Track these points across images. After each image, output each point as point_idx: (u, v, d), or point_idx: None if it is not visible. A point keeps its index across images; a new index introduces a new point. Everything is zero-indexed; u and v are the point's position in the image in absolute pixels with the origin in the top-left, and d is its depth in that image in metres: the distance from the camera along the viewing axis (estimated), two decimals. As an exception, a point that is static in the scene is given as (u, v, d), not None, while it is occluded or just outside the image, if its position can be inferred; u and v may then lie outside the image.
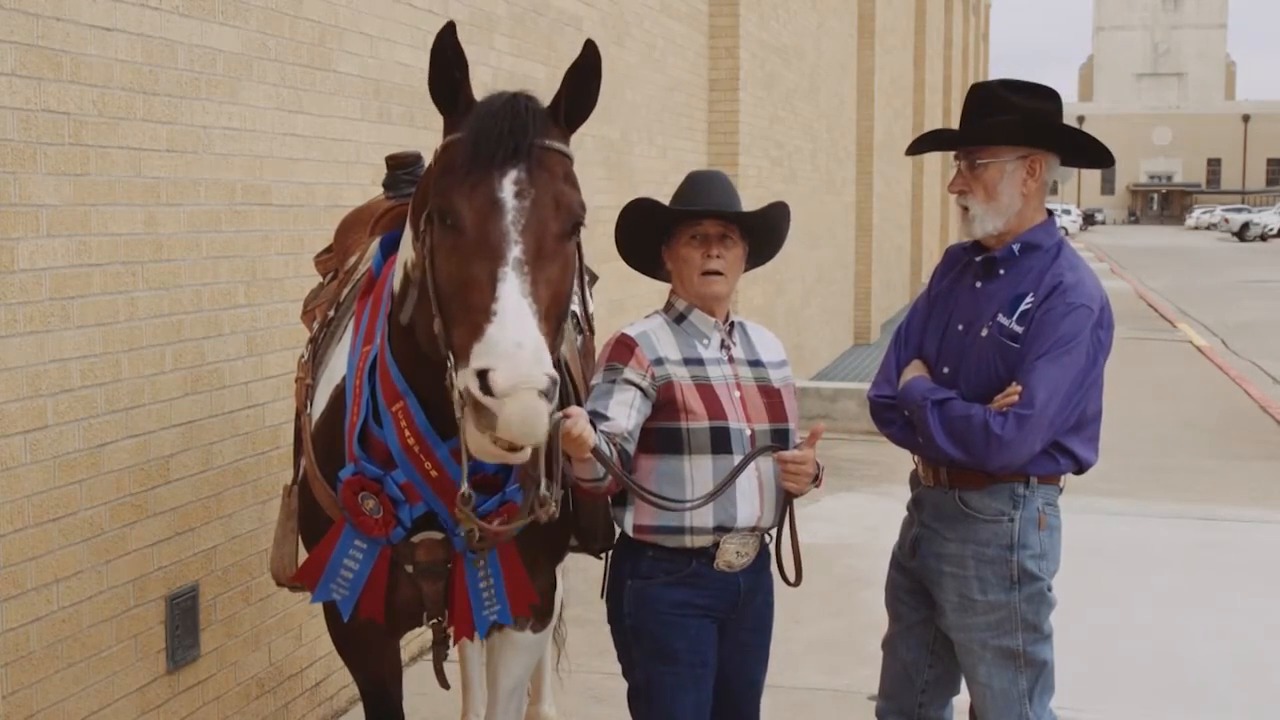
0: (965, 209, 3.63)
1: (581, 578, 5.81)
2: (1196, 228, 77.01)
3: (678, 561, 3.43)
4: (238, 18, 4.57)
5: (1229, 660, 6.07)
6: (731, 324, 3.58)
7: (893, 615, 3.88)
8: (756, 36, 11.60)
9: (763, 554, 3.55)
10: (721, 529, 3.40)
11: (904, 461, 3.96)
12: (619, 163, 8.59)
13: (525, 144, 2.82)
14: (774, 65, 12.51)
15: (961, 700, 3.83)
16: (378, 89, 5.50)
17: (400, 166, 4.20)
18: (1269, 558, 7.76)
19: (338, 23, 5.20)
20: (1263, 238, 60.76)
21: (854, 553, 7.60)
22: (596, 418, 3.23)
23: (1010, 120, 3.55)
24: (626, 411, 3.31)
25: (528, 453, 2.74)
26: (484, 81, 6.03)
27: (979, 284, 3.64)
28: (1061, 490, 3.67)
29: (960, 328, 3.63)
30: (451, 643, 3.54)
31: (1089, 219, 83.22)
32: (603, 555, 3.67)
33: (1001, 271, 3.60)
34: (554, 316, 2.80)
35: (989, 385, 3.52)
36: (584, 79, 2.95)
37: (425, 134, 5.46)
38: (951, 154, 3.71)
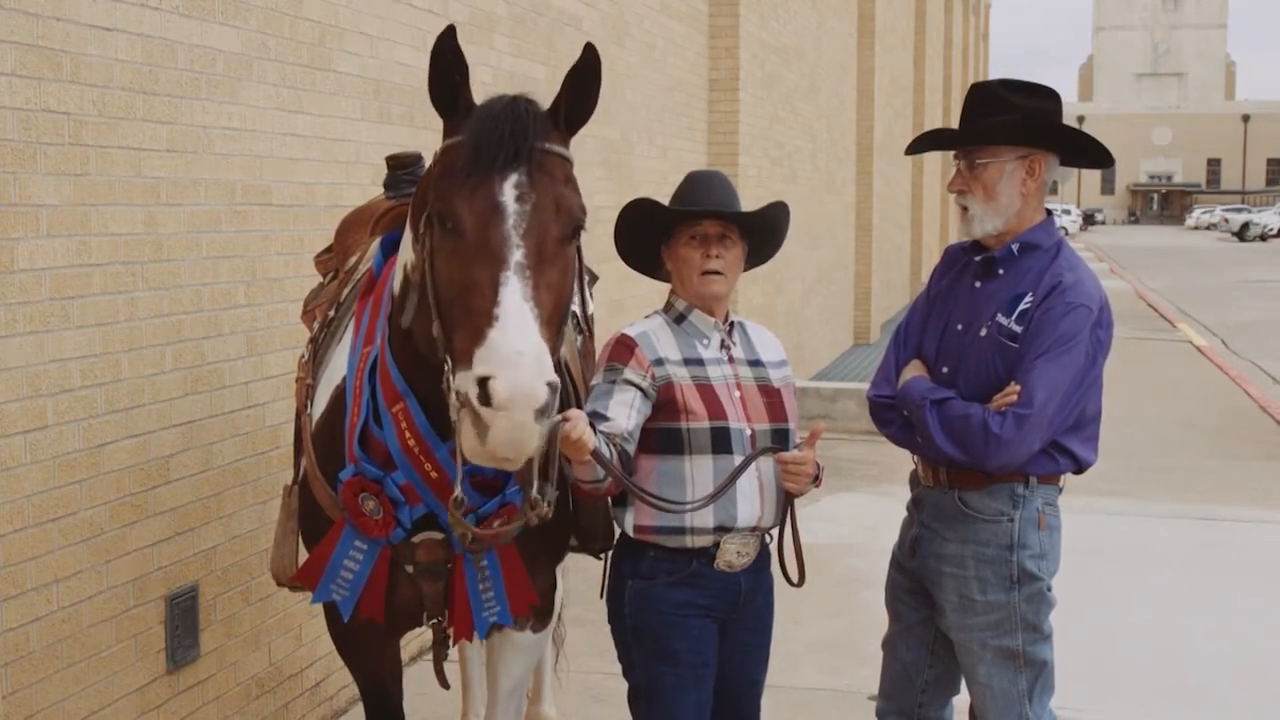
0: (964, 209, 3.63)
1: (581, 578, 5.80)
2: (1196, 228, 76.98)
3: (679, 562, 3.43)
4: (238, 18, 4.57)
5: (1229, 660, 6.07)
6: (731, 324, 3.58)
7: (893, 615, 3.88)
8: (756, 36, 11.59)
9: (763, 554, 3.55)
10: (722, 529, 3.40)
11: (904, 461, 3.96)
12: (619, 163, 8.59)
13: (525, 147, 2.81)
14: (774, 65, 12.51)
15: (961, 700, 3.83)
16: (378, 89, 5.50)
17: (400, 167, 4.20)
18: (1269, 558, 7.75)
19: (338, 23, 5.20)
20: (1263, 238, 60.75)
21: (854, 553, 7.60)
22: (596, 418, 3.23)
23: (1010, 120, 3.55)
24: (626, 412, 3.31)
25: (522, 460, 2.75)
26: (484, 81, 6.05)
27: (978, 284, 3.64)
28: (1061, 490, 3.67)
29: (959, 327, 3.63)
30: (451, 643, 3.54)
31: (1089, 219, 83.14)
32: (602, 555, 3.68)
33: (1001, 271, 3.60)
34: (555, 322, 2.80)
35: (988, 385, 3.52)
36: (584, 82, 2.94)
37: (425, 134, 5.46)
38: (951, 154, 3.71)
